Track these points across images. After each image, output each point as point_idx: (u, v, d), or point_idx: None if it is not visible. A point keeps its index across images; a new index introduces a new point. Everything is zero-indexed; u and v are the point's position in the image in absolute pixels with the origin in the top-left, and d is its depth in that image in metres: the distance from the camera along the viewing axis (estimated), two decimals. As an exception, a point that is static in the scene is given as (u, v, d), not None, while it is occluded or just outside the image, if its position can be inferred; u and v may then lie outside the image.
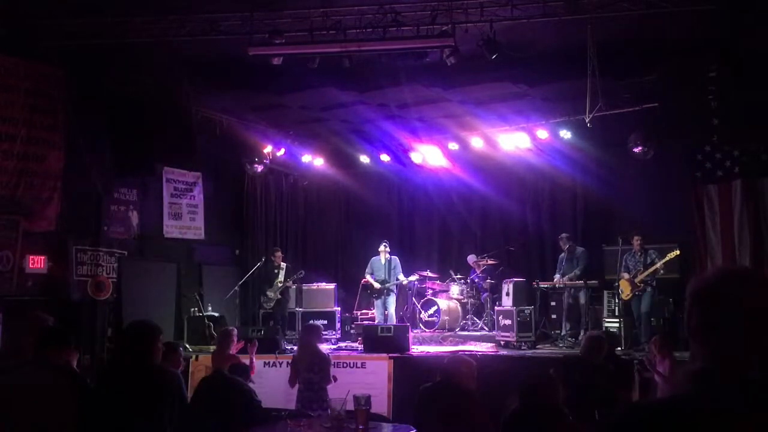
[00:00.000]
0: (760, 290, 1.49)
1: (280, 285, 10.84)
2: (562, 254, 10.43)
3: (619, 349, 6.90)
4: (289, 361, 8.83)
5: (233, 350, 6.75)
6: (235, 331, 7.63)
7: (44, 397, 3.78)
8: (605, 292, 10.06)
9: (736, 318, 1.46)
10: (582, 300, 10.01)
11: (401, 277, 11.02)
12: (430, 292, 11.68)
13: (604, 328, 9.73)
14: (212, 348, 8.05)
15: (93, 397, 3.93)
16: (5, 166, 8.56)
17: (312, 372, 6.47)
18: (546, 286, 10.51)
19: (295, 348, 9.51)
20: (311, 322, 9.55)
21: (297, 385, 6.61)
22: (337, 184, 13.83)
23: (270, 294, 10.88)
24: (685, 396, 1.42)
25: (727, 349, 1.45)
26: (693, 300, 1.55)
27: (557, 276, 10.36)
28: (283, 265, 11.04)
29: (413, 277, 11.31)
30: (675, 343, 9.17)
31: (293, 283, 11.04)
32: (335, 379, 6.63)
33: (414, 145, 12.48)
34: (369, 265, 11.19)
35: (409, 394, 6.12)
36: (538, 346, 9.78)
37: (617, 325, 9.59)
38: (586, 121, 9.23)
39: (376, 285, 10.95)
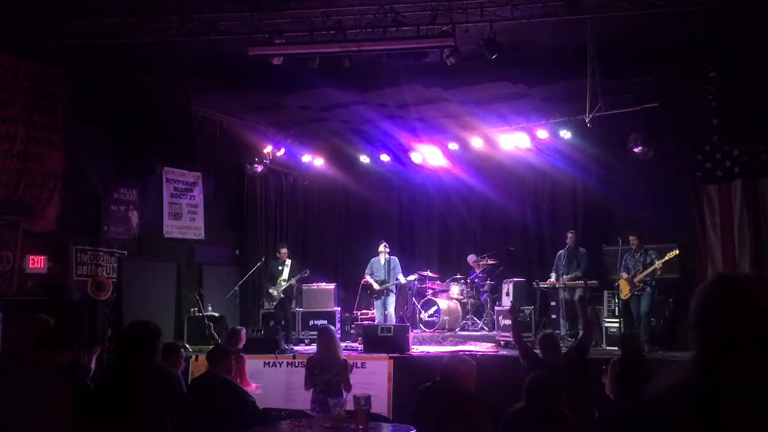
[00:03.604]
0: (762, 293, 1.50)
1: (283, 283, 10.69)
2: (562, 251, 10.41)
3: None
4: (290, 361, 8.85)
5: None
6: (244, 331, 7.58)
7: (44, 397, 3.78)
8: (605, 292, 10.05)
9: (737, 318, 1.47)
10: (577, 298, 9.99)
11: (400, 277, 11.01)
12: (430, 292, 11.68)
13: (604, 328, 9.74)
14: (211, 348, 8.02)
15: (93, 397, 3.93)
16: (5, 166, 8.56)
17: (330, 374, 6.31)
18: (546, 286, 10.51)
19: (297, 349, 9.52)
20: (327, 324, 9.22)
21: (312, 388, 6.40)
22: (337, 184, 13.83)
23: (273, 292, 10.68)
24: (681, 395, 1.43)
25: (725, 351, 1.45)
26: (697, 302, 1.56)
27: (553, 274, 10.35)
28: (288, 261, 10.88)
29: (412, 277, 11.30)
30: (674, 343, 9.24)
31: (297, 282, 10.94)
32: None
33: (414, 145, 12.49)
34: (369, 266, 11.19)
35: (409, 394, 6.11)
36: (537, 347, 9.76)
37: (617, 325, 9.60)
38: (586, 121, 9.24)
39: (376, 285, 10.95)
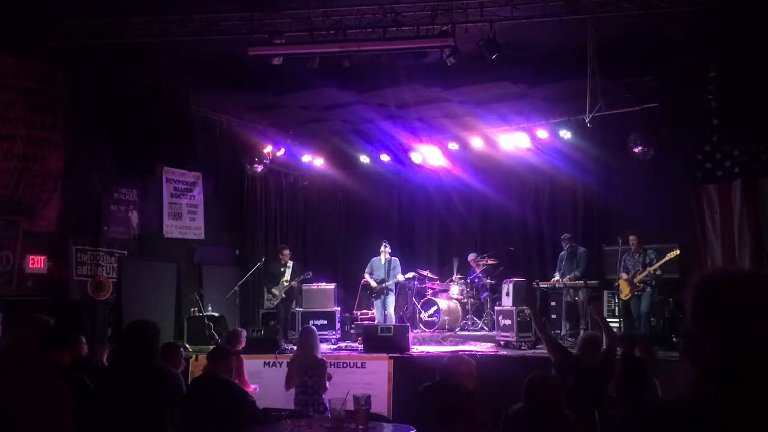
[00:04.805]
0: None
1: (285, 284, 10.73)
2: (563, 253, 10.45)
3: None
4: (289, 361, 8.85)
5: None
6: (244, 333, 7.58)
7: (45, 397, 3.78)
8: (605, 292, 10.06)
9: (753, 314, 1.41)
10: (581, 300, 10.01)
11: (399, 276, 11.02)
12: (430, 292, 11.67)
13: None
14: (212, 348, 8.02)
15: (93, 397, 3.93)
16: (5, 166, 8.57)
17: (306, 376, 6.42)
18: (546, 286, 10.50)
19: (295, 348, 9.52)
20: (310, 324, 9.43)
21: (293, 388, 6.55)
22: (337, 184, 13.83)
23: (275, 291, 10.75)
24: (701, 395, 1.39)
25: (743, 346, 1.39)
26: (703, 294, 1.48)
27: (556, 275, 10.37)
28: (290, 263, 10.93)
29: (410, 275, 11.31)
30: (674, 343, 9.23)
31: (298, 283, 10.98)
32: (329, 381, 6.58)
33: (414, 145, 12.49)
34: (369, 265, 11.20)
35: (409, 394, 6.11)
36: (538, 346, 9.76)
37: (617, 325, 9.59)
38: (586, 121, 9.24)
39: (373, 284, 10.96)
